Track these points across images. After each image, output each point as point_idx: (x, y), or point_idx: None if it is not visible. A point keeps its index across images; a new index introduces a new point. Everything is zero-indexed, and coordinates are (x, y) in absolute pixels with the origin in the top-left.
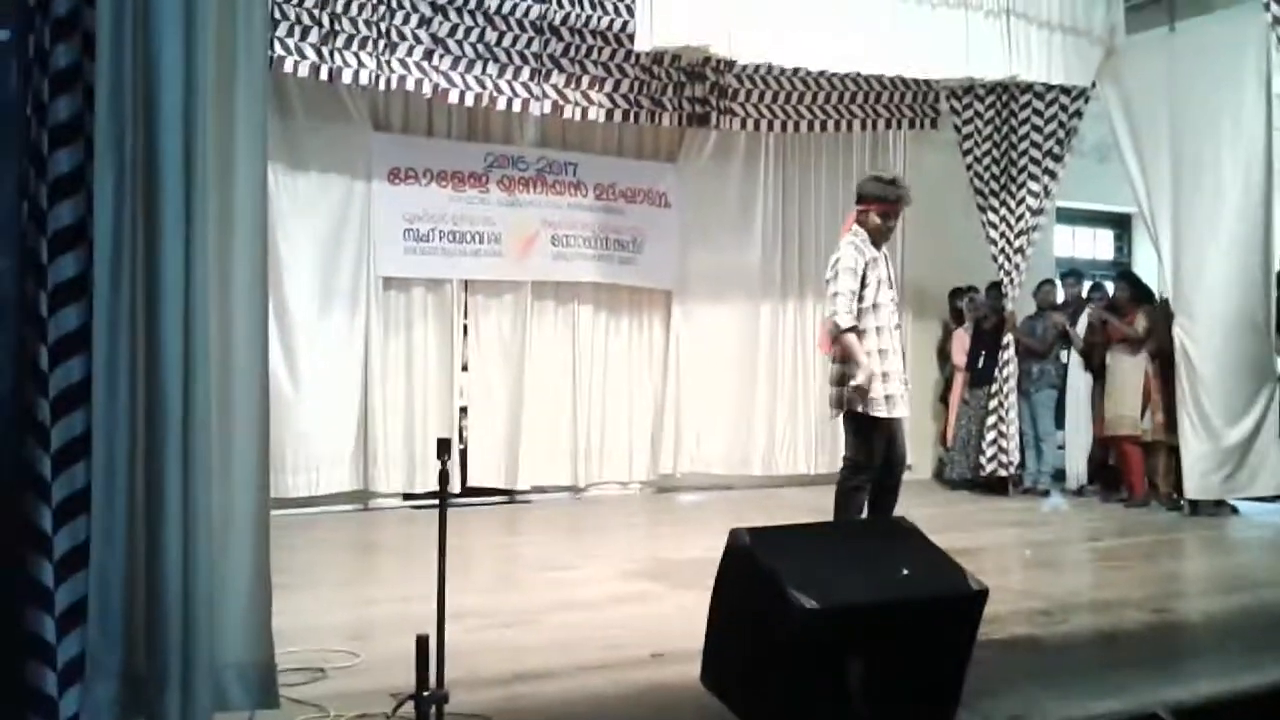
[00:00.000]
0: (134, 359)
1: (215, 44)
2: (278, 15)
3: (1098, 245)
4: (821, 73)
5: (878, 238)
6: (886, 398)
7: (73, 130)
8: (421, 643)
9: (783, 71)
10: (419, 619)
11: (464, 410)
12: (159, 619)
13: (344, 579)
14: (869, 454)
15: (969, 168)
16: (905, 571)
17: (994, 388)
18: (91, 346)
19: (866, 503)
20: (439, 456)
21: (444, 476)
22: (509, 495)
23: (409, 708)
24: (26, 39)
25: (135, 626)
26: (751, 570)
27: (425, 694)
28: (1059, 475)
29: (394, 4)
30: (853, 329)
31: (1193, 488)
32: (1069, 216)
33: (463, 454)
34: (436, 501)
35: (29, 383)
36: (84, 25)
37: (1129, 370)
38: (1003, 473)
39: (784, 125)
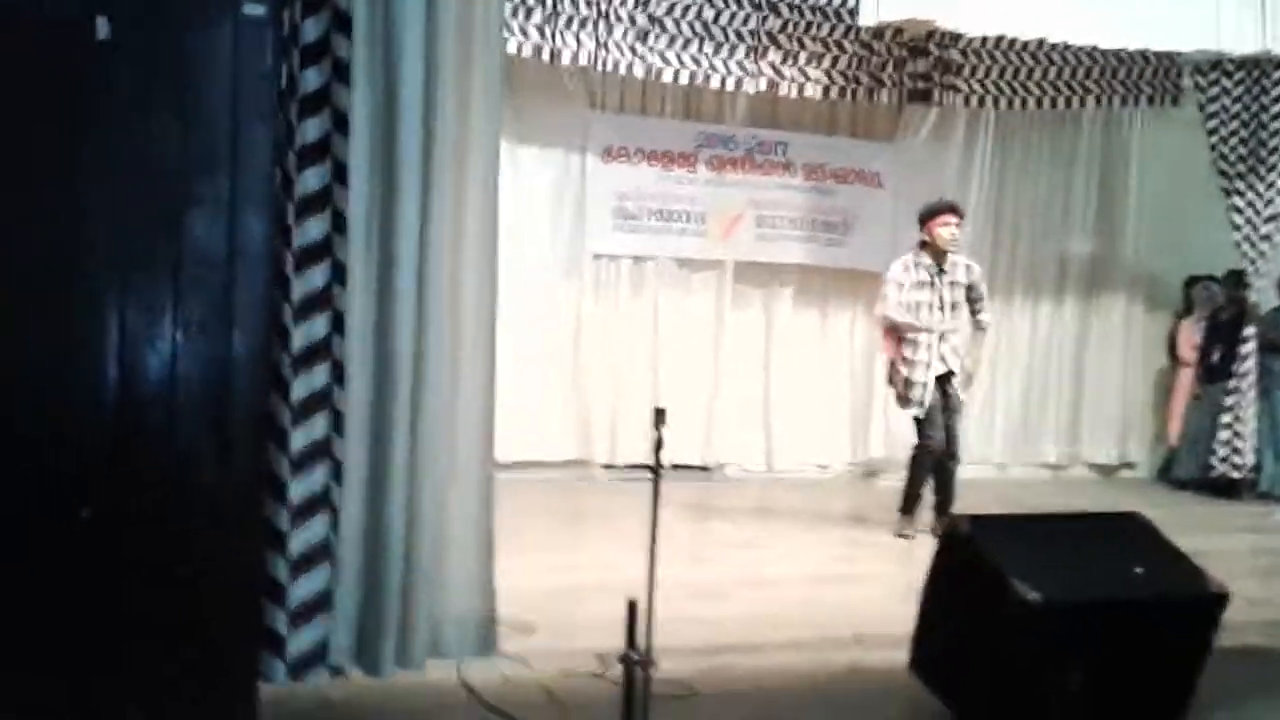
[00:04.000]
0: (371, 319)
1: (455, 26)
2: None
3: None
4: (1054, 45)
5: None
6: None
7: (319, 101)
8: (632, 607)
9: (1010, 45)
10: (622, 585)
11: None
12: (382, 568)
13: (550, 543)
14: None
15: (1213, 148)
16: (1138, 570)
17: (1231, 384)
18: (333, 305)
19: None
20: (655, 425)
21: (658, 444)
22: (705, 471)
23: (613, 671)
24: (281, 14)
25: (364, 574)
26: (971, 559)
27: (635, 658)
28: None
29: None
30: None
31: None
32: None
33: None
34: (639, 473)
35: (276, 340)
36: (333, 2)
37: None
38: (1235, 474)
39: (1010, 102)
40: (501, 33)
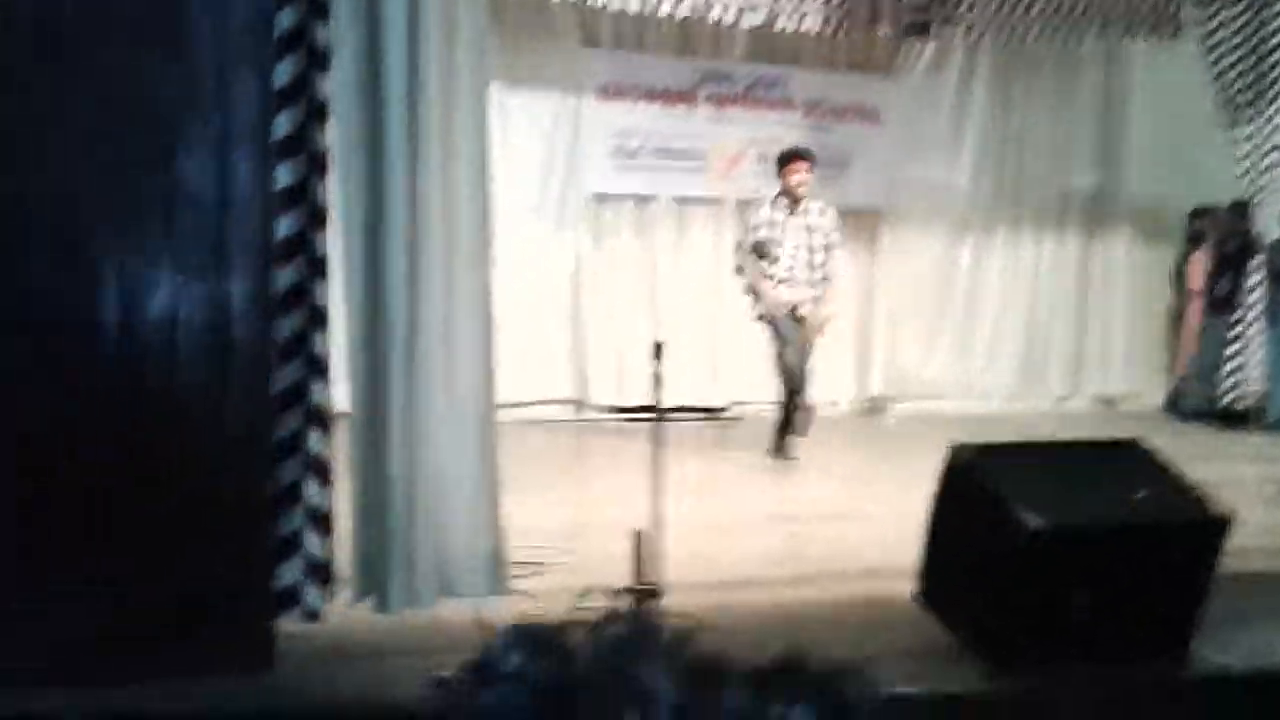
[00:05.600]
0: (365, 253)
1: None
2: None
3: None
4: None
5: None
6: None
7: (295, 41)
8: (638, 538)
9: None
10: (631, 523)
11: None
12: (384, 506)
13: (556, 483)
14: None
15: (1215, 79)
16: (1141, 495)
17: (1237, 314)
18: (312, 250)
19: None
20: (655, 357)
21: (658, 378)
22: (714, 413)
23: (620, 604)
24: None
25: (364, 512)
26: (974, 487)
27: (640, 587)
28: None
29: None
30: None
31: None
32: None
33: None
34: (645, 413)
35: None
36: None
37: None
38: (1242, 404)
39: (1010, 35)
40: None
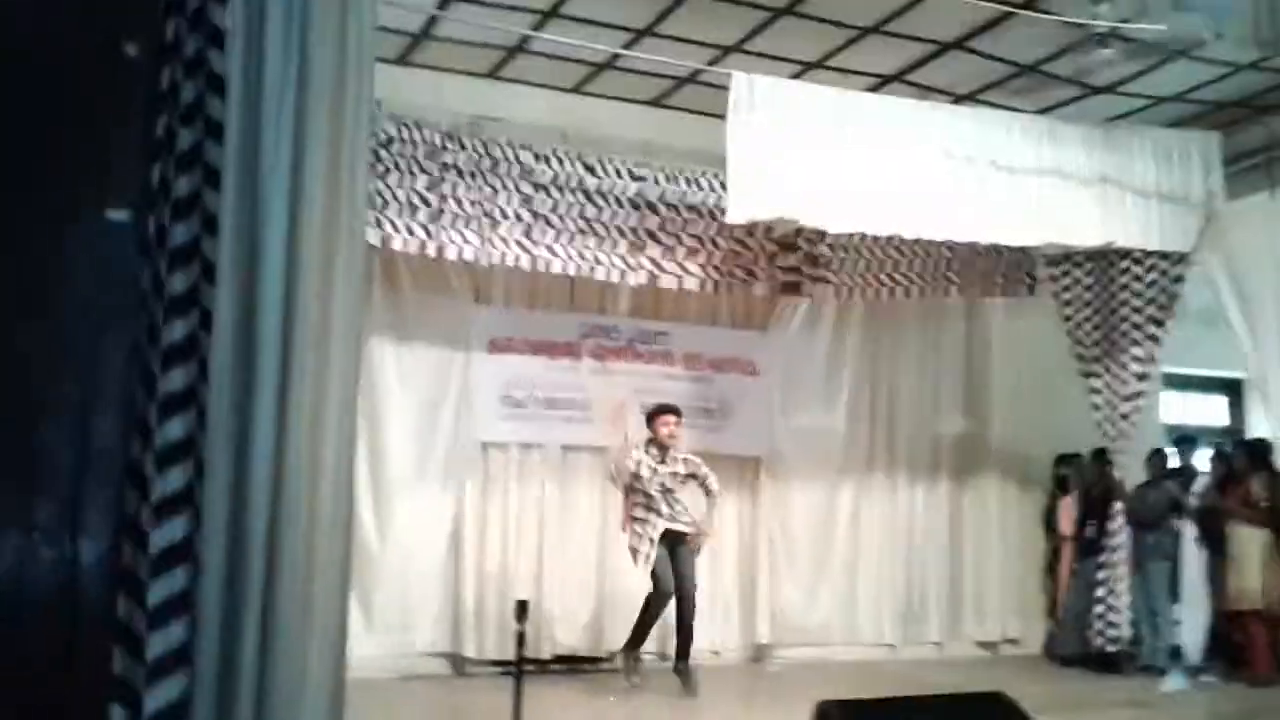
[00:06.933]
0: (229, 524)
1: (320, 226)
2: (389, 197)
3: (1209, 411)
4: (916, 240)
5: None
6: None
7: (189, 302)
8: None
9: (875, 239)
10: None
11: (552, 576)
12: None
13: None
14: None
15: (1070, 333)
16: None
17: (1102, 558)
18: (195, 507)
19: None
20: (518, 619)
21: (521, 637)
22: (596, 663)
23: None
24: (146, 218)
25: None
26: None
27: None
28: (1176, 652)
29: (498, 184)
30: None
31: None
32: (1178, 383)
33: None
34: (516, 667)
35: (128, 543)
36: (203, 206)
37: (1250, 540)
38: (1111, 648)
39: (877, 293)
40: (364, 227)
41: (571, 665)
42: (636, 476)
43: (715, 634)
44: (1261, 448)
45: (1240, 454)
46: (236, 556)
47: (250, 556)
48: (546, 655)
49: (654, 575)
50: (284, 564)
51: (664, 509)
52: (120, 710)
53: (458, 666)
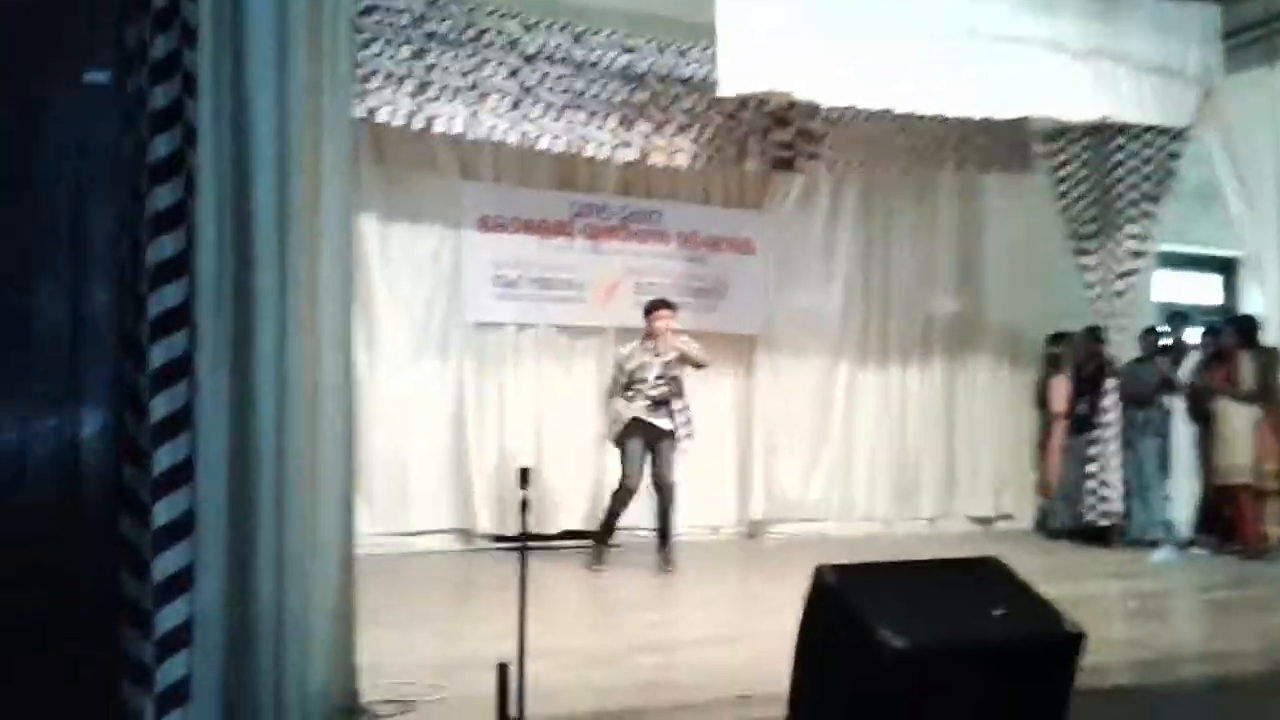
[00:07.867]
0: (232, 390)
1: (306, 92)
2: (375, 68)
3: (1203, 290)
4: (909, 115)
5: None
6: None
7: (171, 168)
8: (502, 671)
9: (869, 115)
10: (506, 656)
11: (552, 453)
12: (253, 649)
13: (434, 615)
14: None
15: (1064, 210)
16: (998, 612)
17: (1094, 434)
18: (193, 375)
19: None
20: (521, 485)
21: (525, 504)
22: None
23: None
24: (125, 82)
25: (233, 655)
26: (838, 609)
27: None
28: (1167, 526)
29: (485, 56)
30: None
31: None
32: (1172, 261)
33: (549, 496)
34: (520, 541)
35: (130, 412)
36: (183, 67)
37: (1239, 416)
38: (1104, 522)
39: (871, 169)
40: (351, 100)
41: (577, 539)
42: (621, 369)
43: (713, 511)
44: (1249, 325)
45: (1230, 331)
46: (239, 425)
47: (254, 424)
48: (551, 531)
49: (622, 468)
50: (289, 431)
51: (642, 400)
52: (128, 574)
53: (465, 541)
